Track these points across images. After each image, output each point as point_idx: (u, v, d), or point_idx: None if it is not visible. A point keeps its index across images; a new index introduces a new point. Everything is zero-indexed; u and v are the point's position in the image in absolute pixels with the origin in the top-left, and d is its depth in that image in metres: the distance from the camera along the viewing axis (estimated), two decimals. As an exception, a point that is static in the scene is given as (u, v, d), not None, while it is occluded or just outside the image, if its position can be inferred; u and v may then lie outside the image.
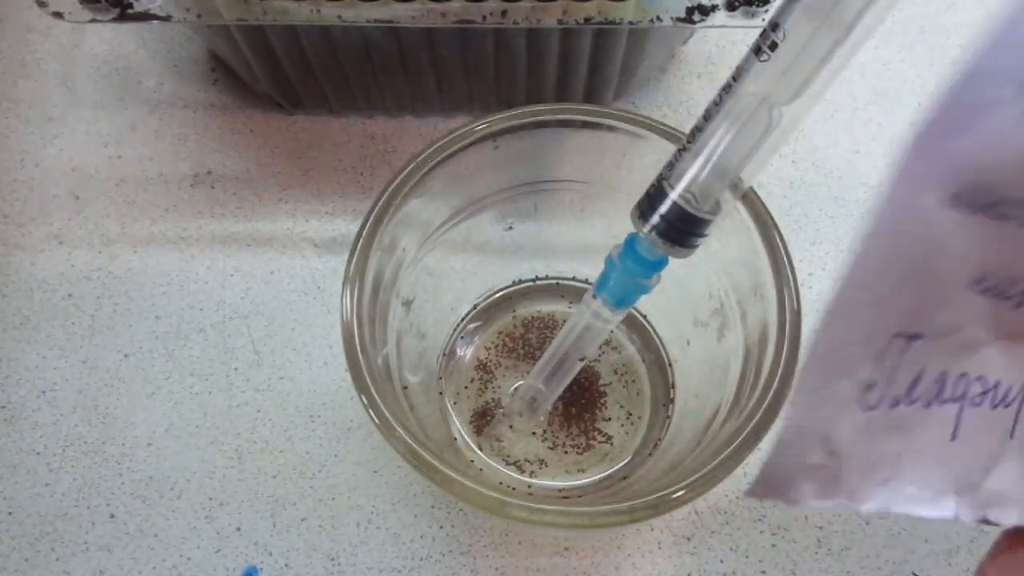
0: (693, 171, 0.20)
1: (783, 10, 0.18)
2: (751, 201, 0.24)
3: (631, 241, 0.22)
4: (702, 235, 0.21)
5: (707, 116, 0.20)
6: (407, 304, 0.27)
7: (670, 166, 0.21)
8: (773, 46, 0.18)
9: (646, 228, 0.21)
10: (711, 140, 0.20)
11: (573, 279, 0.32)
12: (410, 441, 0.21)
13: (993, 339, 0.17)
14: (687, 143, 0.20)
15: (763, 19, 0.28)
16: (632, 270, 0.22)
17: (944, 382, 0.17)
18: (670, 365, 0.31)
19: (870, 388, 0.16)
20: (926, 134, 0.13)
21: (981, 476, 0.17)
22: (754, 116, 0.19)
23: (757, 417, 0.21)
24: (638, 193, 0.21)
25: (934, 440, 0.17)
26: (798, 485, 0.16)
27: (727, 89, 0.19)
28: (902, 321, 0.16)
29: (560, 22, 0.28)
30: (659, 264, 0.22)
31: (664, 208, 0.20)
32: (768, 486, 0.16)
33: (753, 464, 0.30)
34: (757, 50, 0.18)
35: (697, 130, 0.20)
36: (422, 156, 0.25)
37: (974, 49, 0.12)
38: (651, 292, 0.23)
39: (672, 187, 0.20)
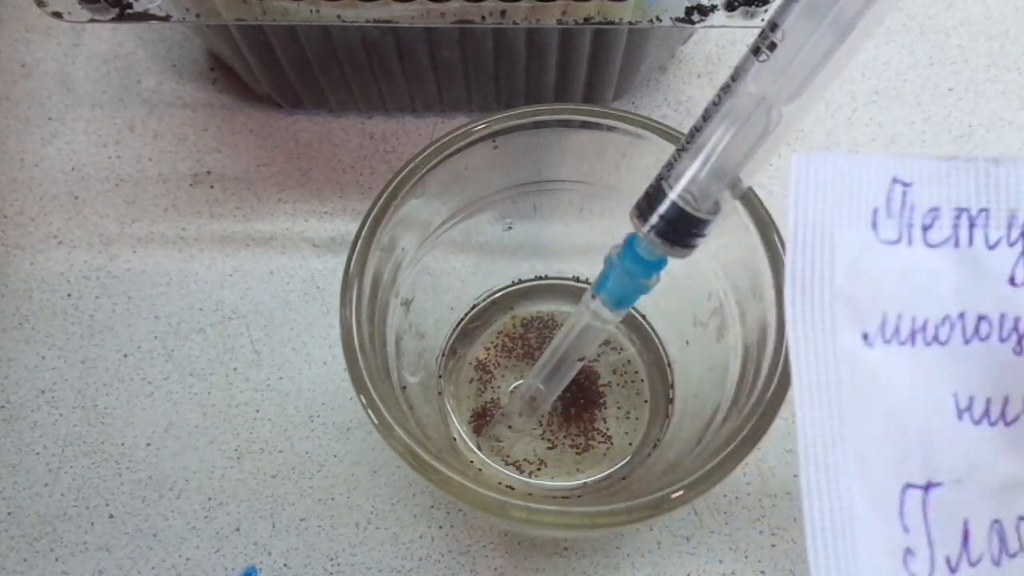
0: (692, 171, 0.20)
1: (782, 10, 0.18)
2: (750, 201, 0.24)
3: (630, 241, 0.22)
4: (701, 235, 0.21)
5: (706, 116, 0.20)
6: (406, 304, 0.27)
7: (669, 166, 0.21)
8: (772, 46, 0.18)
9: (645, 228, 0.21)
10: (710, 140, 0.20)
11: (573, 279, 0.32)
12: (409, 441, 0.21)
13: None
14: (686, 143, 0.20)
15: (762, 19, 0.28)
16: (631, 270, 0.22)
17: (1003, 532, 0.14)
18: (669, 365, 0.31)
19: (910, 554, 0.14)
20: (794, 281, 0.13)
21: None
22: (753, 116, 0.19)
23: (756, 417, 0.21)
24: (637, 193, 0.21)
25: None
26: None
27: (726, 89, 0.19)
28: (902, 470, 0.14)
29: (559, 22, 0.28)
30: (658, 264, 0.22)
31: (663, 208, 0.20)
32: None
33: (753, 463, 0.31)
34: (756, 50, 0.18)
35: (696, 130, 0.20)
36: (421, 156, 0.24)
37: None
38: (650, 292, 0.23)
39: (671, 187, 0.20)
